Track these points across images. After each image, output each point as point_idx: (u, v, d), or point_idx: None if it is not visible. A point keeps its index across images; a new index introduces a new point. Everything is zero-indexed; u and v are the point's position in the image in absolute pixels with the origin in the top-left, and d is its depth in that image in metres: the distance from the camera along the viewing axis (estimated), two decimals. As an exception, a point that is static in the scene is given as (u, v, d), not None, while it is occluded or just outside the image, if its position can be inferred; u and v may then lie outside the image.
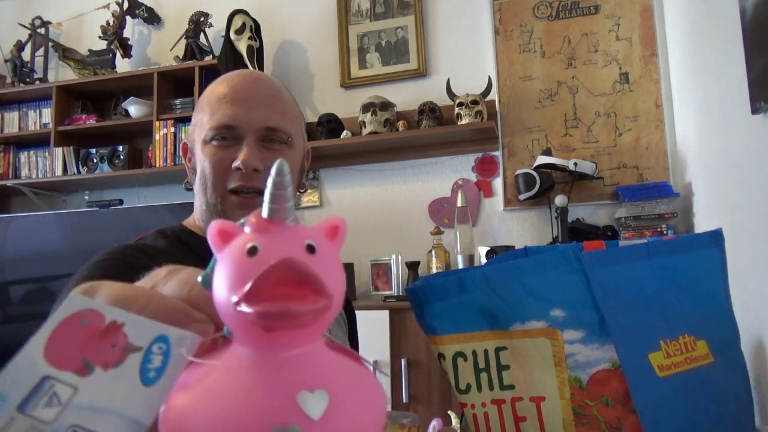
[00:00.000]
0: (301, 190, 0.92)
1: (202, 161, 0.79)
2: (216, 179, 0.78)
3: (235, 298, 0.22)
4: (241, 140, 0.78)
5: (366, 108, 2.62)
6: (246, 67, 2.65)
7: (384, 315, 2.17)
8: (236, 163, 0.76)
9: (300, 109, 0.91)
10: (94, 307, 0.24)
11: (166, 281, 0.29)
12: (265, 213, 0.24)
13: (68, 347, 0.23)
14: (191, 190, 0.84)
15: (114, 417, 0.23)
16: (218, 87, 0.81)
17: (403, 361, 2.10)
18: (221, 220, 0.25)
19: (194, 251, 0.80)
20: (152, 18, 3.13)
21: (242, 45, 2.69)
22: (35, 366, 0.23)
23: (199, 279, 0.26)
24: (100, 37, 3.06)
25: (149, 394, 0.24)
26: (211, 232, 0.25)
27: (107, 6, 3.15)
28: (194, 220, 0.87)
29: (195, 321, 0.25)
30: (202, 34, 2.95)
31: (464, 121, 2.49)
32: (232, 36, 2.71)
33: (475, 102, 2.49)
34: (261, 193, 0.79)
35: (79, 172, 2.96)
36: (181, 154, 0.89)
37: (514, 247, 2.40)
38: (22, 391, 0.22)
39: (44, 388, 0.23)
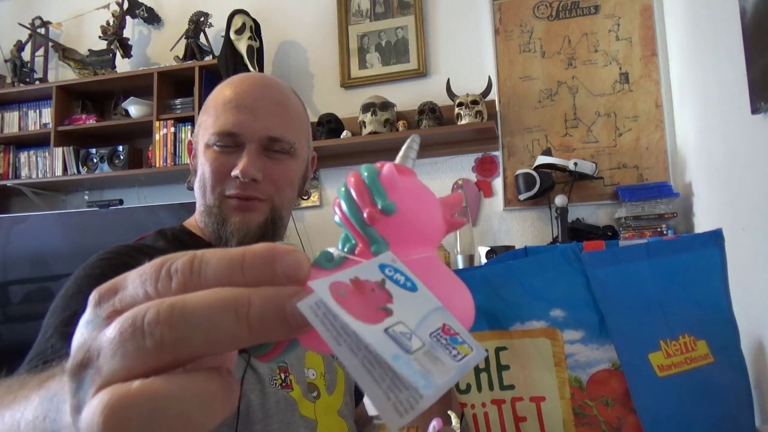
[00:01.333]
0: (304, 197, 0.91)
1: (203, 164, 0.79)
2: (214, 184, 0.78)
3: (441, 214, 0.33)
4: (243, 147, 0.77)
5: (366, 108, 2.62)
6: (246, 67, 2.64)
7: (384, 315, 2.17)
8: (235, 172, 0.76)
9: (307, 116, 0.89)
10: (335, 279, 0.25)
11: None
12: (410, 165, 0.35)
13: (362, 310, 0.25)
14: (192, 189, 0.84)
15: (439, 310, 0.27)
16: (225, 90, 0.80)
17: (403, 361, 2.10)
18: (392, 165, 0.31)
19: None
20: (152, 18, 3.13)
21: (242, 45, 2.69)
22: (368, 332, 0.23)
23: (381, 205, 0.30)
24: (100, 37, 3.06)
25: (424, 293, 0.28)
26: (390, 170, 0.30)
27: (107, 6, 3.15)
28: (195, 220, 0.87)
29: (291, 251, 0.25)
30: (202, 34, 2.94)
31: (464, 121, 2.49)
32: (232, 36, 2.71)
33: (475, 102, 2.49)
34: (257, 200, 0.78)
35: (79, 172, 2.96)
36: (186, 152, 0.89)
37: (514, 247, 2.40)
38: (387, 349, 0.23)
39: (389, 338, 0.24)
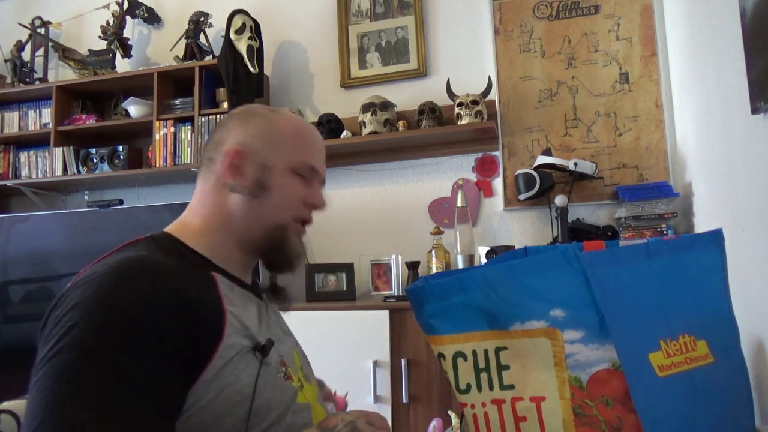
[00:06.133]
0: None
1: (285, 186, 0.89)
2: (295, 208, 0.91)
3: None
4: (311, 182, 0.94)
5: (366, 108, 2.62)
6: (246, 66, 2.65)
7: (384, 315, 2.17)
8: (315, 201, 0.94)
9: None
10: None
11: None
12: None
13: None
14: (238, 192, 0.87)
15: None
16: (306, 131, 0.95)
17: (403, 361, 2.10)
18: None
19: (194, 267, 0.80)
20: (152, 18, 3.13)
21: (242, 45, 2.69)
22: None
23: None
24: (100, 37, 3.06)
25: None
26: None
27: (107, 6, 3.15)
28: (196, 227, 0.88)
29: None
30: (202, 34, 2.94)
31: (464, 121, 2.49)
32: (232, 36, 2.71)
33: (475, 102, 2.49)
34: None
35: (79, 172, 2.96)
36: (226, 158, 0.87)
37: (514, 247, 2.40)
38: None
39: None
